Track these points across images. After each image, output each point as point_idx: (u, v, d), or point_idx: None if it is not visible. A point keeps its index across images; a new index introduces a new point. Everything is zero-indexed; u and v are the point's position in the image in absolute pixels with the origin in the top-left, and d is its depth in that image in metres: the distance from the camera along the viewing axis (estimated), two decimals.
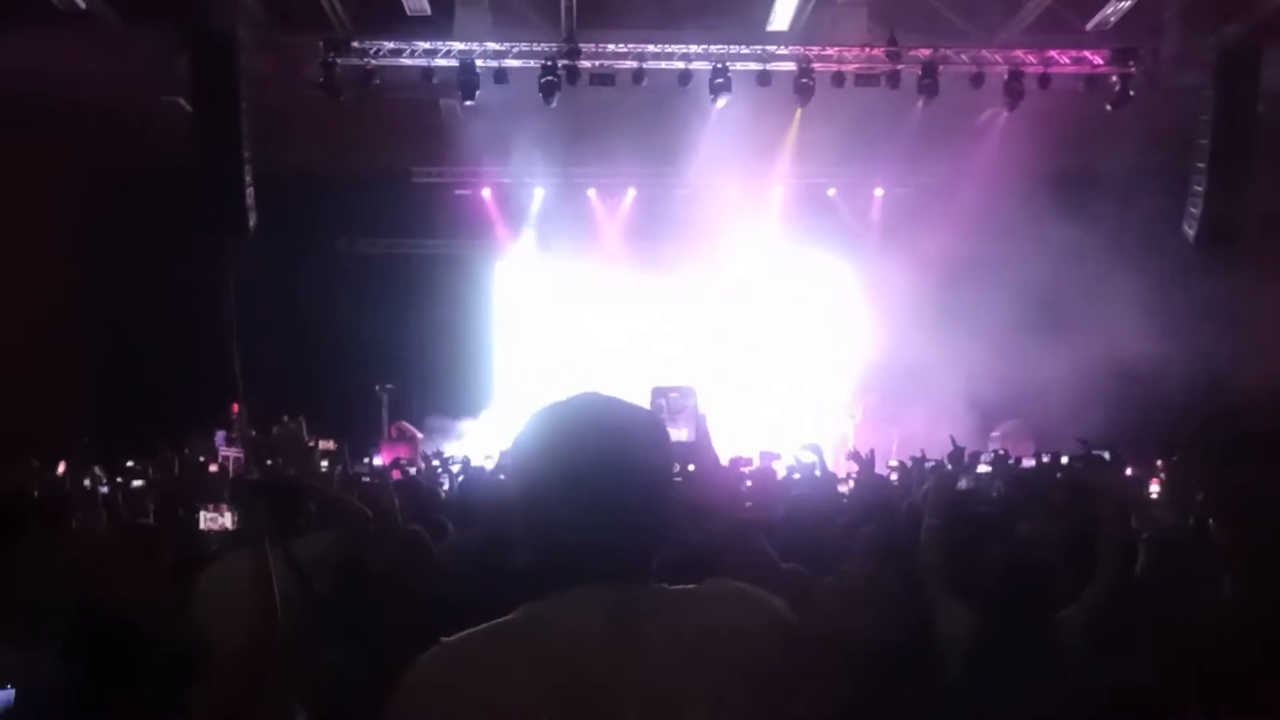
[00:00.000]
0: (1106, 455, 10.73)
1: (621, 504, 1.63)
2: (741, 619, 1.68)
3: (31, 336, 13.59)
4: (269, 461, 12.37)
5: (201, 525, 4.69)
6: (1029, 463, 9.32)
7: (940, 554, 3.69)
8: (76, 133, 13.98)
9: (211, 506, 4.71)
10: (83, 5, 11.12)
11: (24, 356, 13.23)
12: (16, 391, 12.65)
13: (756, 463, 8.40)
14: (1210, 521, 2.64)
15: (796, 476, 7.14)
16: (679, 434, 4.97)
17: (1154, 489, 7.36)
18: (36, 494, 5.34)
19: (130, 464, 9.80)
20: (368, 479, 7.80)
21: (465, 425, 14.87)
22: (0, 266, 12.95)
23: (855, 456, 7.27)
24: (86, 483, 6.97)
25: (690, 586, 1.71)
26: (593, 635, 1.60)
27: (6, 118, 13.00)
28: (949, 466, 7.06)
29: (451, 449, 13.72)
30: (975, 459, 8.14)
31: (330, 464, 9.44)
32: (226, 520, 4.54)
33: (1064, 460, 8.63)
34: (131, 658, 2.64)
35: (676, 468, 1.78)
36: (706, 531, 2.85)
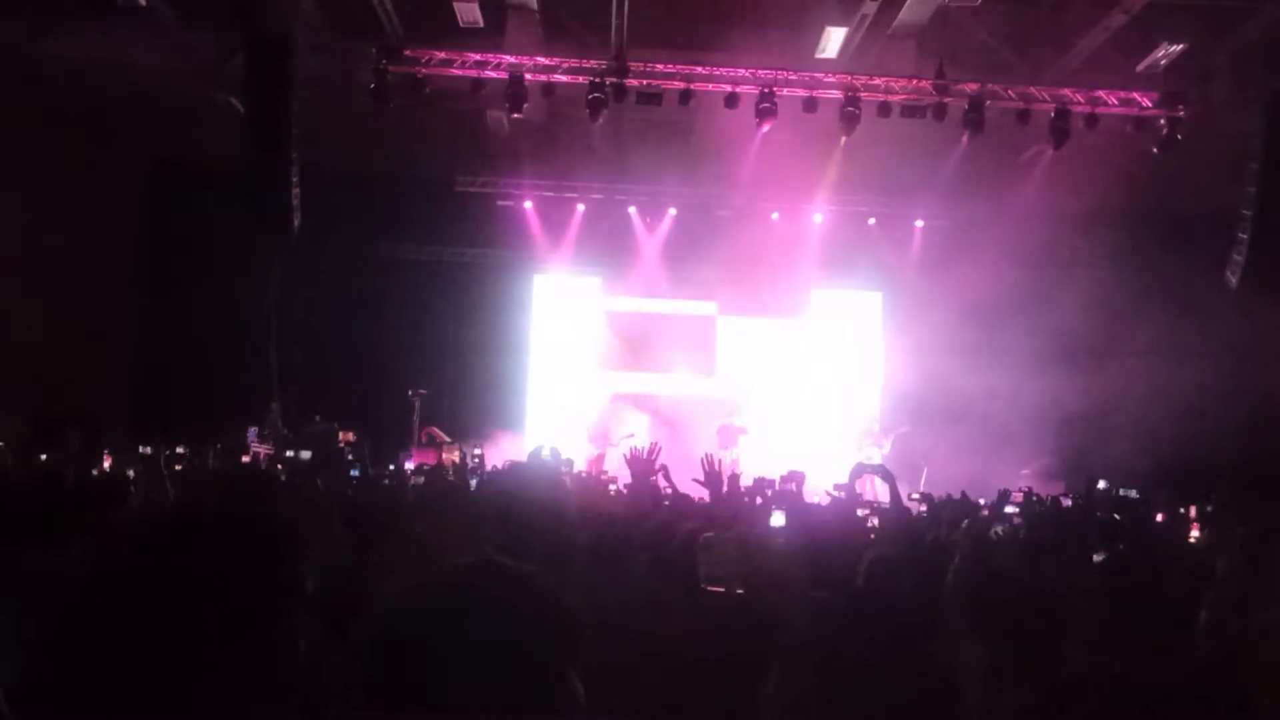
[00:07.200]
0: (1134, 494, 10.69)
1: None
2: None
3: (73, 323, 13.77)
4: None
5: None
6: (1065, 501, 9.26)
7: (965, 594, 3.71)
8: (128, 126, 14.20)
9: None
10: (143, 2, 11.28)
11: (65, 342, 13.41)
12: (56, 376, 12.83)
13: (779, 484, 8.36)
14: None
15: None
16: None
17: (1195, 532, 7.36)
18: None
19: (180, 451, 9.99)
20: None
21: (497, 434, 14.92)
22: (48, 254, 13.16)
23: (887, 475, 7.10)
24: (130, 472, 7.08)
25: None
26: None
27: (62, 109, 13.24)
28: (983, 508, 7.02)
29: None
30: (1005, 498, 8.10)
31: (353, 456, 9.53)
32: None
33: (1091, 499, 8.56)
34: None
35: None
36: None
